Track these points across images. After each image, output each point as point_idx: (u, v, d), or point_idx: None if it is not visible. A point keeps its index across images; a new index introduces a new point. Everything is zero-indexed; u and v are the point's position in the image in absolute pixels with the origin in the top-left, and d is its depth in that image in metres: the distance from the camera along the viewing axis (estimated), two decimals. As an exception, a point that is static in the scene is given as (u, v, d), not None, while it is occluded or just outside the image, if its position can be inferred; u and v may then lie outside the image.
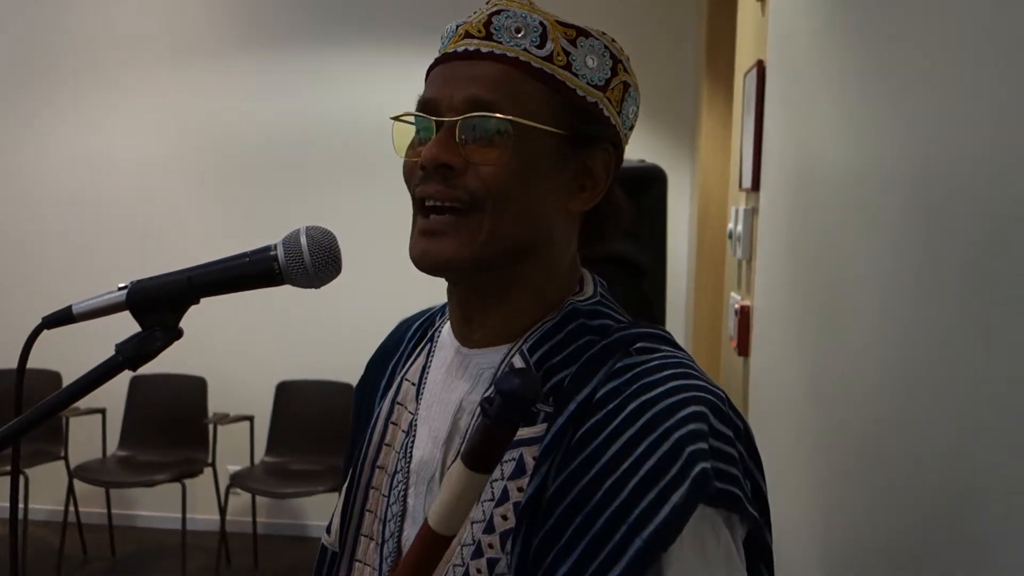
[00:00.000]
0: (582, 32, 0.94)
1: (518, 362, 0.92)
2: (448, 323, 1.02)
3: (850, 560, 1.41)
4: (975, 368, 0.95)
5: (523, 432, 0.88)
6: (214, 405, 4.79)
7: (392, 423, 1.02)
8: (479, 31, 0.92)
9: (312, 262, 0.91)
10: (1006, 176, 0.89)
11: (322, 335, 4.87)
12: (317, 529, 4.97)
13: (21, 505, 4.50)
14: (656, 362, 0.88)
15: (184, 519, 4.45)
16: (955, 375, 1.00)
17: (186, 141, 5.07)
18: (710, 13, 4.07)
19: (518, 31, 0.91)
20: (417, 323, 1.10)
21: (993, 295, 0.91)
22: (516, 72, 0.90)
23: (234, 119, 5.02)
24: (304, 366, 4.83)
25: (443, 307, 1.06)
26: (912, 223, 1.17)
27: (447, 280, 0.96)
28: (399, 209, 0.95)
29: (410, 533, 0.95)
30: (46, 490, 4.71)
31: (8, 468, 1.01)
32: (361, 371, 1.15)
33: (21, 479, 4.34)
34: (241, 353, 4.97)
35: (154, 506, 5.01)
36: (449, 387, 0.97)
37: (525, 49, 0.91)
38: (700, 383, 0.86)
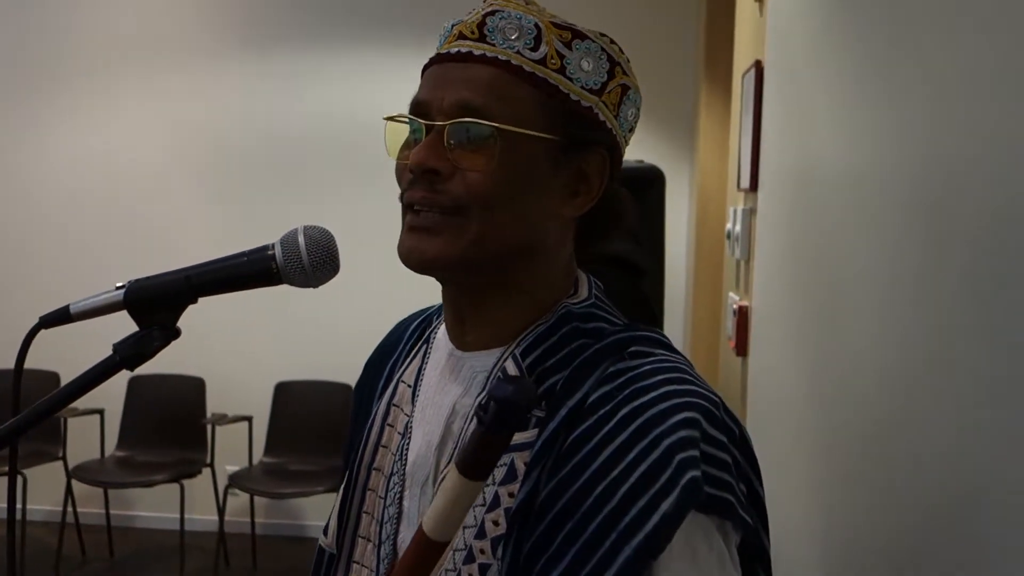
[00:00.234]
0: (578, 34, 0.92)
1: (510, 366, 0.91)
2: (444, 324, 1.01)
3: (850, 561, 1.40)
4: (975, 367, 0.94)
5: (515, 437, 0.87)
6: (212, 405, 4.78)
7: (388, 425, 1.02)
8: (472, 32, 0.91)
9: (310, 261, 0.90)
10: (1004, 175, 0.89)
11: (320, 335, 4.87)
12: (316, 529, 4.97)
13: (19, 505, 4.49)
14: (649, 366, 0.87)
15: (182, 519, 4.44)
16: (955, 375, 1.00)
17: (185, 141, 5.07)
18: (708, 13, 4.07)
19: (512, 33, 0.90)
20: (415, 324, 1.09)
21: (993, 294, 0.91)
22: (508, 76, 0.89)
23: (233, 119, 5.02)
24: (302, 366, 4.83)
25: (440, 308, 1.06)
26: (910, 222, 1.17)
27: (438, 280, 0.95)
28: (397, 209, 0.94)
29: (406, 535, 0.95)
30: (44, 490, 4.70)
31: (6, 468, 1.01)
32: (360, 371, 1.15)
33: (19, 479, 4.34)
34: (239, 353, 4.96)
35: (152, 506, 5.01)
36: (442, 390, 0.97)
37: (518, 52, 0.89)
38: (694, 388, 0.85)
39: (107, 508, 4.85)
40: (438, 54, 0.93)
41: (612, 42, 0.95)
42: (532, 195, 0.90)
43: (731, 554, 0.84)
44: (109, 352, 0.90)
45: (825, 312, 1.63)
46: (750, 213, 2.55)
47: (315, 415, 4.73)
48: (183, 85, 5.05)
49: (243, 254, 0.92)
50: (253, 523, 4.75)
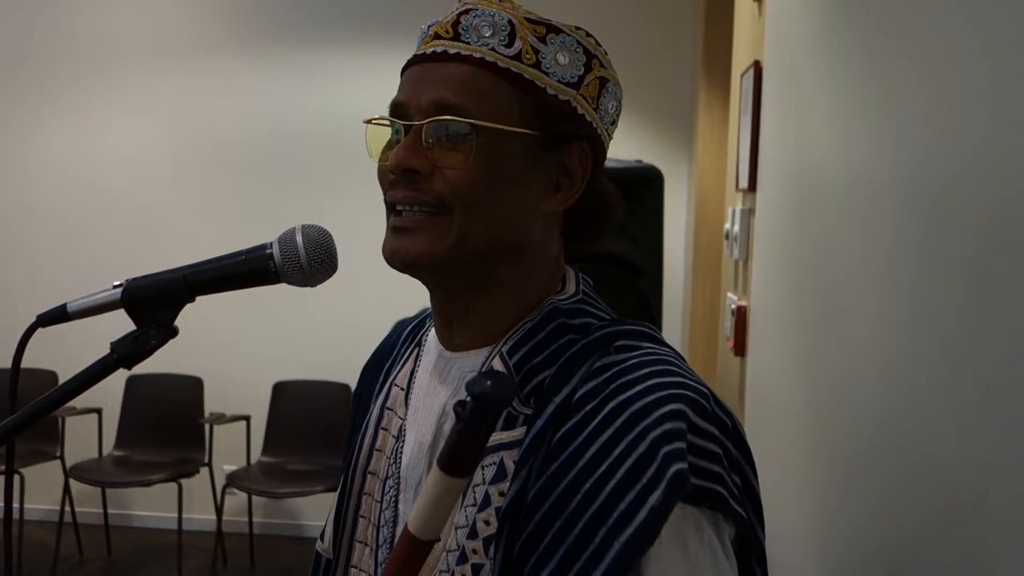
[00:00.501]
0: (553, 29, 0.92)
1: (498, 365, 0.91)
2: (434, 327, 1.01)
3: (850, 562, 1.40)
4: (974, 367, 0.94)
5: (503, 436, 0.88)
6: (210, 405, 4.78)
7: (382, 428, 1.02)
8: (447, 32, 0.91)
9: (308, 260, 0.91)
10: (1002, 176, 0.89)
11: (319, 335, 4.87)
12: (313, 529, 4.97)
13: (16, 505, 4.49)
14: (635, 360, 0.87)
15: (180, 519, 4.44)
16: (954, 375, 1.00)
17: (184, 140, 5.07)
18: (707, 14, 4.07)
19: (486, 30, 0.90)
20: (411, 326, 1.09)
21: (991, 294, 0.91)
22: (484, 73, 0.89)
23: (231, 118, 5.02)
24: (301, 366, 4.83)
25: None
26: (909, 223, 1.17)
27: (422, 281, 0.95)
28: (396, 209, 0.94)
29: None
30: (42, 490, 4.71)
31: (3, 467, 1.01)
32: (358, 370, 1.15)
33: (16, 478, 4.34)
34: (238, 353, 4.96)
35: (150, 506, 5.01)
36: (433, 392, 0.97)
37: (492, 49, 0.90)
38: (681, 380, 0.85)
39: (105, 507, 4.85)
40: (415, 55, 0.94)
41: (588, 35, 0.95)
42: (513, 191, 0.90)
43: (724, 546, 0.83)
44: (107, 351, 0.90)
45: (824, 312, 1.63)
46: (748, 213, 2.55)
47: (313, 415, 4.73)
48: (183, 84, 5.05)
49: (241, 253, 0.92)
50: (251, 523, 4.75)
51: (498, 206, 0.89)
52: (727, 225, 2.92)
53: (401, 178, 0.89)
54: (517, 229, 0.92)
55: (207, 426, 4.61)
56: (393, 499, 0.97)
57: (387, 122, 0.93)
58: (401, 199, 0.90)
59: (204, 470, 4.61)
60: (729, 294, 2.90)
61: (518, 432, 0.87)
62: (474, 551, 0.86)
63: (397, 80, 0.94)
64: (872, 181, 1.34)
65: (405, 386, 1.02)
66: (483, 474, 0.88)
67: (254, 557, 4.69)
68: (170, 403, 4.80)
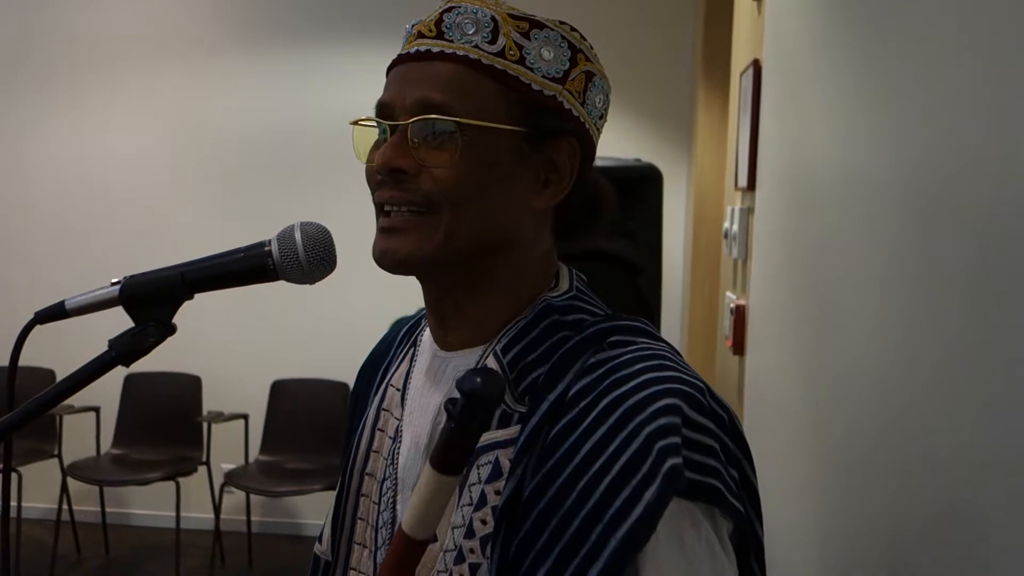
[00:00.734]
0: (536, 24, 0.92)
1: (491, 363, 0.91)
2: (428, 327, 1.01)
3: (850, 562, 1.40)
4: (973, 367, 0.94)
5: (498, 434, 0.87)
6: (208, 403, 4.78)
7: (379, 430, 1.02)
8: (430, 30, 0.91)
9: (306, 258, 0.90)
10: (1001, 175, 0.89)
11: (317, 333, 4.87)
12: (312, 528, 4.97)
13: (14, 503, 4.49)
14: (629, 355, 0.87)
15: (178, 517, 4.44)
16: (953, 374, 1.00)
17: (183, 139, 5.06)
18: (706, 12, 4.07)
19: (469, 28, 0.90)
20: (407, 326, 1.09)
21: (990, 293, 0.91)
22: (468, 70, 0.89)
23: (231, 117, 5.02)
24: (299, 364, 4.82)
25: None
26: (908, 222, 1.17)
27: (418, 280, 0.95)
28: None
29: None
30: (40, 488, 4.70)
31: (0, 466, 1.01)
32: (356, 369, 1.15)
33: (14, 477, 4.34)
34: (236, 351, 4.96)
35: (148, 504, 5.00)
36: (428, 392, 0.97)
37: (476, 46, 0.89)
38: (676, 374, 0.84)
39: (102, 506, 4.85)
40: (399, 55, 0.94)
41: (573, 29, 0.94)
42: (501, 188, 0.90)
43: (721, 540, 0.83)
44: (105, 349, 0.90)
45: (823, 311, 1.63)
46: (747, 212, 2.55)
47: (311, 413, 4.73)
48: (182, 84, 5.05)
49: (239, 250, 0.92)
50: (249, 521, 4.75)
51: (486, 203, 0.89)
52: (726, 224, 2.92)
53: (388, 178, 0.89)
54: (506, 226, 0.91)
55: (205, 425, 4.61)
56: (391, 500, 0.97)
57: (373, 123, 0.93)
58: (389, 199, 0.89)
59: (202, 469, 4.61)
60: (728, 293, 2.90)
61: (513, 430, 0.87)
62: (471, 551, 0.86)
63: (397, 80, 0.94)
64: (871, 180, 1.34)
65: (401, 387, 1.01)
66: (478, 473, 0.87)
67: (252, 556, 4.68)
68: (168, 401, 4.80)
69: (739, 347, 2.54)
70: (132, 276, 0.91)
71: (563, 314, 0.92)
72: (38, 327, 0.92)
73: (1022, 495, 0.82)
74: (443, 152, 0.87)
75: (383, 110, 0.91)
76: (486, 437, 0.86)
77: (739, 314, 2.53)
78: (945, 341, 1.02)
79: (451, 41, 0.90)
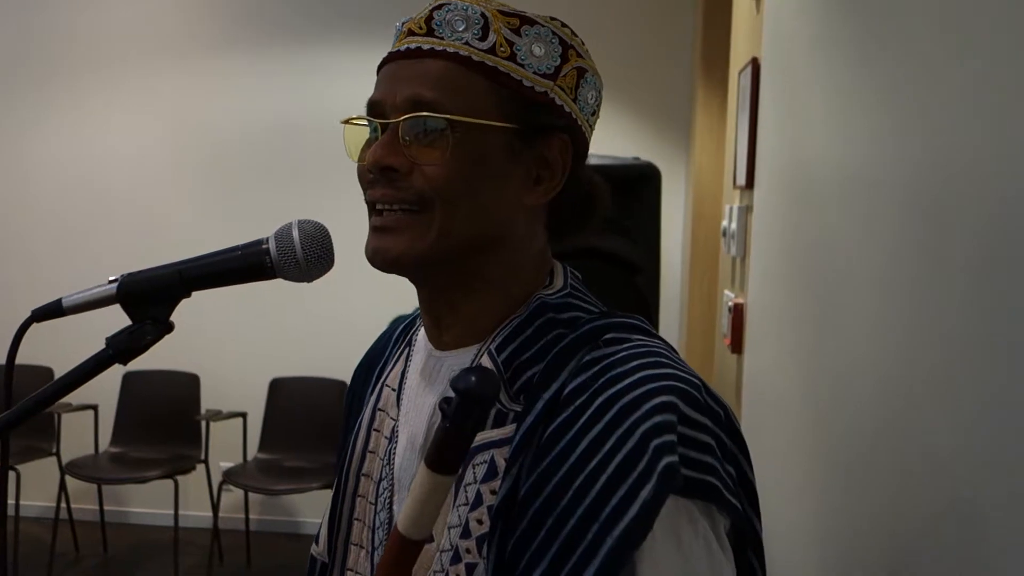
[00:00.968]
0: (527, 20, 0.91)
1: (486, 362, 0.91)
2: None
3: (850, 562, 1.40)
4: (973, 366, 0.94)
5: (493, 433, 0.87)
6: (207, 401, 4.78)
7: (375, 430, 1.02)
8: (421, 28, 0.91)
9: (304, 256, 0.90)
10: (1001, 174, 0.89)
11: (316, 332, 4.87)
12: (310, 526, 4.97)
13: (12, 501, 4.49)
14: (624, 353, 0.86)
15: (176, 516, 4.43)
16: (953, 373, 0.99)
17: (183, 139, 5.06)
18: (705, 11, 4.07)
19: (459, 24, 0.89)
20: (403, 326, 1.09)
21: (991, 292, 0.90)
22: (458, 67, 0.88)
23: (231, 117, 5.01)
24: (297, 362, 4.82)
25: None
26: (907, 220, 1.16)
27: (409, 279, 0.94)
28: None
29: None
30: (38, 486, 4.70)
31: (-2, 464, 1.01)
32: (354, 368, 1.14)
33: (12, 475, 4.33)
34: (234, 349, 4.96)
35: (146, 503, 5.00)
36: (424, 392, 0.96)
37: (466, 43, 0.89)
38: (671, 371, 0.84)
39: (101, 504, 4.84)
40: (390, 53, 0.93)
41: (563, 25, 0.94)
42: (493, 185, 0.90)
43: (719, 538, 0.83)
44: (102, 347, 0.89)
45: (822, 310, 1.63)
46: (746, 210, 2.55)
47: (309, 411, 4.73)
48: (182, 83, 5.04)
49: (237, 248, 0.91)
50: (247, 519, 4.75)
51: (478, 201, 0.89)
52: (724, 222, 2.92)
53: (379, 177, 0.88)
54: (499, 224, 0.91)
55: (203, 423, 4.60)
56: (387, 501, 0.97)
57: (364, 121, 0.92)
58: (380, 198, 0.89)
59: (200, 467, 4.61)
60: (726, 291, 2.90)
61: (508, 429, 0.87)
62: (468, 550, 0.86)
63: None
64: (870, 178, 1.34)
65: (396, 387, 1.01)
66: (474, 473, 0.87)
67: (250, 554, 4.68)
68: (166, 400, 4.80)
69: (737, 346, 2.54)
70: (129, 274, 0.90)
71: (558, 312, 0.92)
72: (36, 325, 0.92)
73: (1022, 495, 0.82)
74: (434, 150, 0.87)
75: (374, 108, 0.91)
76: (481, 436, 0.86)
77: (737, 313, 2.53)
78: (945, 341, 1.02)
79: (441, 38, 0.89)
